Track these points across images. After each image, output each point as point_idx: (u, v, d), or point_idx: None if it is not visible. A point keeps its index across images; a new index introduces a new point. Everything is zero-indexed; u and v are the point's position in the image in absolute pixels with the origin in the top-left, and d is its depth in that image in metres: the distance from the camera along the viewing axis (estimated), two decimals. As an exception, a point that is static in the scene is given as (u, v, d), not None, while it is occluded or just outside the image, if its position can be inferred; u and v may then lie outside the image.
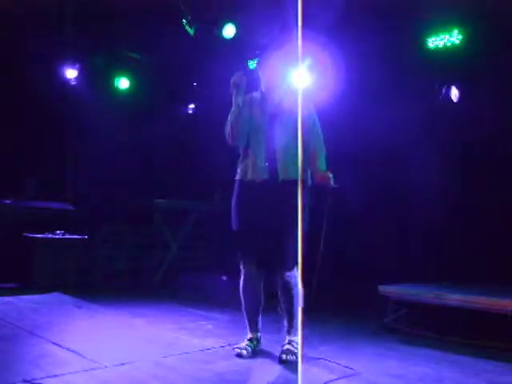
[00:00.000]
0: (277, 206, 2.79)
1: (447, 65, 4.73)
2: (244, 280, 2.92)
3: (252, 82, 3.01)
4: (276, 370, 2.66)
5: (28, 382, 2.29)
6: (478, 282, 3.93)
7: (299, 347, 2.82)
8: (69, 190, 5.84)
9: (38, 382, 2.30)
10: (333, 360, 2.84)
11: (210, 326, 3.65)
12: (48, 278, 4.91)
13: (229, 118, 2.89)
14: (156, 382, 2.39)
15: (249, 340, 2.91)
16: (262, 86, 3.00)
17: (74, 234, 5.33)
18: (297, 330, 2.85)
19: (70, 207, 5.69)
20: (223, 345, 3.04)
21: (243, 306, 2.95)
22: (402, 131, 4.68)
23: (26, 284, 4.87)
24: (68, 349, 2.85)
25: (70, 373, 2.44)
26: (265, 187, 2.82)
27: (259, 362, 2.78)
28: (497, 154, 4.46)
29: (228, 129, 2.89)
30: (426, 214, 4.74)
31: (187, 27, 5.04)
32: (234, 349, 2.86)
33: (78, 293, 4.66)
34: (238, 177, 2.95)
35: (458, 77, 4.79)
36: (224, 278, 4.96)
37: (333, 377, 2.56)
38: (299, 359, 2.72)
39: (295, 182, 2.70)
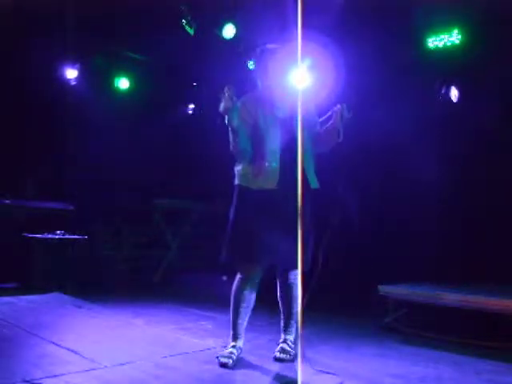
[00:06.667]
0: (288, 213, 2.61)
1: (447, 65, 4.73)
2: (239, 285, 2.74)
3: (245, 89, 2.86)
4: (276, 370, 2.67)
5: (28, 382, 2.29)
6: (478, 281, 3.94)
7: (298, 346, 2.79)
8: (69, 190, 5.85)
9: (37, 381, 2.31)
10: (333, 360, 2.85)
11: (210, 326, 3.67)
12: (48, 278, 4.90)
13: (230, 139, 2.68)
14: (156, 382, 2.40)
15: (233, 347, 2.73)
16: (264, 85, 2.81)
17: (73, 234, 5.33)
18: (292, 328, 2.87)
19: (70, 207, 5.69)
20: (223, 345, 3.02)
21: (233, 311, 2.78)
22: (401, 131, 4.64)
23: (26, 284, 4.87)
24: (68, 349, 2.85)
25: (70, 373, 2.45)
26: (277, 196, 2.65)
27: (259, 362, 2.78)
28: (497, 153, 4.46)
29: (232, 147, 2.72)
30: (426, 213, 4.74)
31: (187, 27, 5.04)
32: (217, 357, 2.69)
33: (78, 293, 4.66)
34: (239, 182, 2.76)
35: (457, 77, 4.78)
36: (224, 277, 4.96)
37: (333, 377, 2.56)
38: (299, 359, 2.71)
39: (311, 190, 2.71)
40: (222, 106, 2.56)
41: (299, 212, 2.54)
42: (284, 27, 4.15)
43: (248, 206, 2.70)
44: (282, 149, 2.70)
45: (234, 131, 2.63)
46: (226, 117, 2.57)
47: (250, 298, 2.75)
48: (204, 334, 3.39)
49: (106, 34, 5.30)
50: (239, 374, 2.56)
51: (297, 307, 2.82)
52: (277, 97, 2.79)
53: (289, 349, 2.81)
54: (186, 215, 6.07)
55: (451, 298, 3.48)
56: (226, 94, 2.54)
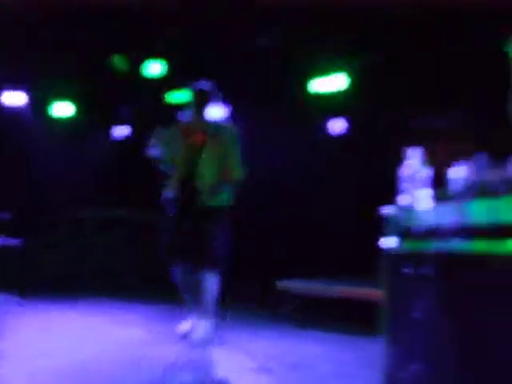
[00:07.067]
0: (196, 223, 3.21)
1: (332, 106, 5.06)
2: (175, 275, 3.28)
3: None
4: (199, 353, 3.01)
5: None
6: (359, 275, 4.21)
7: (212, 331, 3.26)
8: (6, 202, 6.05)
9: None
10: (238, 341, 3.29)
11: (136, 316, 4.00)
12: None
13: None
14: (88, 372, 2.52)
15: (185, 323, 3.28)
16: (192, 117, 3.29)
17: (11, 240, 5.57)
18: (205, 315, 3.30)
19: (7, 216, 5.95)
20: (157, 334, 3.31)
21: (182, 294, 3.29)
22: (289, 166, 5.10)
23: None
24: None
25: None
26: (185, 207, 3.23)
27: (177, 345, 3.09)
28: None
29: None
30: (311, 221, 5.37)
31: (118, 63, 5.30)
32: (178, 332, 3.20)
33: (20, 293, 4.83)
34: (167, 191, 3.31)
35: (342, 116, 5.19)
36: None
37: (242, 356, 2.94)
38: (214, 343, 3.15)
39: (215, 207, 3.23)
40: (148, 150, 3.10)
41: (197, 221, 3.17)
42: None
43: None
44: (186, 170, 3.25)
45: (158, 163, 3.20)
46: (152, 157, 3.13)
47: (189, 284, 3.26)
48: (138, 325, 3.64)
49: (44, 63, 5.45)
50: (159, 359, 2.79)
51: (209, 297, 3.27)
52: (196, 127, 3.28)
53: (204, 332, 3.22)
54: (120, 224, 6.22)
55: (333, 290, 3.96)
56: (154, 140, 3.08)
